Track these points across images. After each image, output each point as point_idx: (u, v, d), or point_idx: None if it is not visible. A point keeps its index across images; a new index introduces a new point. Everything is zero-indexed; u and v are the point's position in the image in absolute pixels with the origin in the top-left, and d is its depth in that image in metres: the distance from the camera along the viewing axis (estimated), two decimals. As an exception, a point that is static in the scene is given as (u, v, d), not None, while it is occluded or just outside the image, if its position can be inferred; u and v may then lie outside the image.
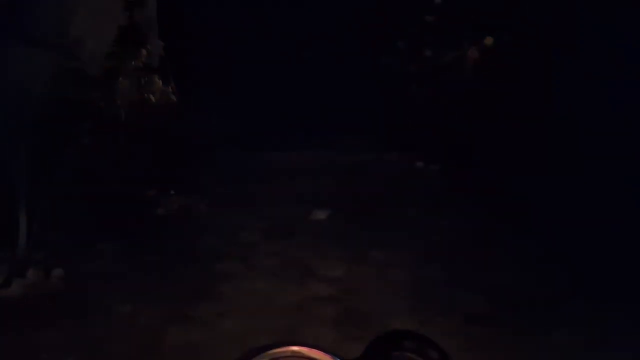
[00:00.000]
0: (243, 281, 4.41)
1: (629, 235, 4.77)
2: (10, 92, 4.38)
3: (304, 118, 6.35)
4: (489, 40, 6.31)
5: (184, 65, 6.46)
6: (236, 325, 3.91)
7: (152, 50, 5.98)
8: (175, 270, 4.52)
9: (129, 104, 5.63)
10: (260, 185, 5.88)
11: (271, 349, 1.98)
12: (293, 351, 1.96)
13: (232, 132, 6.46)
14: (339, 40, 6.69)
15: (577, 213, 5.09)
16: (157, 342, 3.78)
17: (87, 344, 3.76)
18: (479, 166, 5.86)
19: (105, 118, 5.43)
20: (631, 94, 5.80)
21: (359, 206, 5.46)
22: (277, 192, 5.75)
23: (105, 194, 5.17)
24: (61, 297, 4.20)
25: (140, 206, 5.26)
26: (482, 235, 5.03)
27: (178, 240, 4.94)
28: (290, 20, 6.84)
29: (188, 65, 6.52)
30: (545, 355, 3.73)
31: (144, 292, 4.23)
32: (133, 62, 5.67)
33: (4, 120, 4.36)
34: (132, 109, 5.64)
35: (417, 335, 2.18)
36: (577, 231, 4.86)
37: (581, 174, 5.51)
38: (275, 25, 6.89)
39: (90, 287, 4.31)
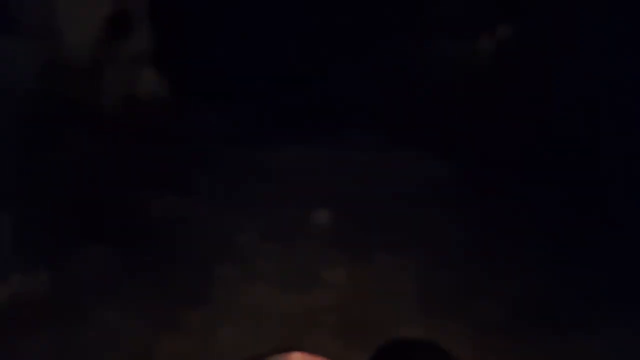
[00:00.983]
0: (240, 286, 4.18)
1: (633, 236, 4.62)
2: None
3: (305, 116, 6.18)
4: (506, 29, 6.06)
5: (182, 59, 6.23)
6: (232, 333, 3.73)
7: (142, 41, 5.75)
8: (169, 275, 4.29)
9: (120, 98, 5.38)
10: (260, 185, 5.61)
11: (272, 356, 1.70)
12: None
13: (232, 131, 6.27)
14: (343, 35, 6.54)
15: (579, 214, 4.96)
16: (148, 351, 3.61)
17: (74, 352, 3.60)
18: (483, 166, 5.67)
19: (99, 116, 5.17)
20: (631, 94, 5.63)
21: (361, 207, 5.22)
22: (277, 192, 5.48)
23: (98, 194, 4.90)
24: (47, 302, 3.96)
25: (134, 207, 5.00)
26: (489, 237, 4.84)
27: (173, 243, 4.69)
28: (292, 14, 6.65)
29: (186, 59, 6.30)
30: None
31: (134, 298, 4.01)
32: (121, 54, 5.42)
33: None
34: (124, 105, 5.40)
35: (428, 344, 1.88)
36: (581, 233, 4.73)
37: (582, 174, 5.32)
38: (278, 20, 6.69)
39: (79, 292, 4.06)
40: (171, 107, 6.06)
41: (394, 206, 5.26)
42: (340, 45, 6.55)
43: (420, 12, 6.49)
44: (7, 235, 4.22)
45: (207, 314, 3.89)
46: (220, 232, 4.81)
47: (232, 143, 6.02)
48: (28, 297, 3.98)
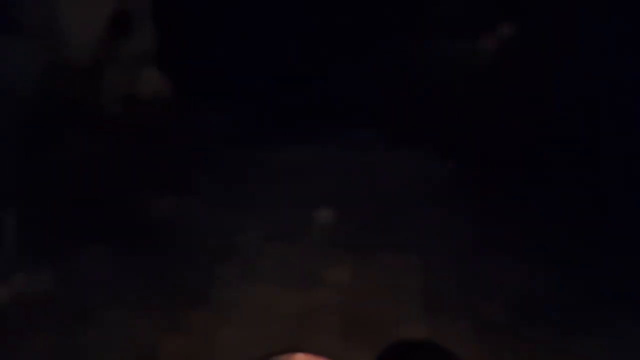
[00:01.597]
0: (242, 287, 4.17)
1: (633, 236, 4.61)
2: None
3: (305, 116, 6.16)
4: (506, 29, 6.06)
5: (182, 59, 6.21)
6: (235, 334, 3.71)
7: (143, 41, 5.74)
8: (171, 275, 4.27)
9: (121, 98, 5.37)
10: (260, 185, 5.61)
11: (275, 357, 1.69)
12: None
13: (232, 131, 6.25)
14: (343, 35, 6.52)
15: (579, 214, 4.93)
16: (151, 351, 3.61)
17: (76, 352, 3.59)
18: (483, 166, 5.66)
19: (99, 116, 5.16)
20: (631, 94, 5.67)
21: (362, 206, 5.20)
22: (278, 192, 5.48)
23: (98, 194, 4.89)
24: (50, 302, 3.95)
25: (134, 207, 4.98)
26: (489, 237, 4.81)
27: (174, 243, 4.67)
28: (292, 14, 6.63)
29: (187, 59, 6.28)
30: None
31: (137, 298, 3.99)
32: (122, 54, 5.40)
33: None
34: (125, 105, 5.39)
35: (434, 345, 1.88)
36: (582, 232, 4.71)
37: (582, 174, 5.33)
38: (278, 20, 6.67)
39: (82, 292, 4.05)
40: (171, 107, 6.05)
41: (395, 206, 5.25)
42: (340, 45, 6.53)
43: (420, 12, 6.47)
44: (9, 236, 4.21)
45: (208, 314, 3.88)
46: (221, 232, 4.79)
47: (232, 143, 6.00)
48: (30, 297, 3.97)
